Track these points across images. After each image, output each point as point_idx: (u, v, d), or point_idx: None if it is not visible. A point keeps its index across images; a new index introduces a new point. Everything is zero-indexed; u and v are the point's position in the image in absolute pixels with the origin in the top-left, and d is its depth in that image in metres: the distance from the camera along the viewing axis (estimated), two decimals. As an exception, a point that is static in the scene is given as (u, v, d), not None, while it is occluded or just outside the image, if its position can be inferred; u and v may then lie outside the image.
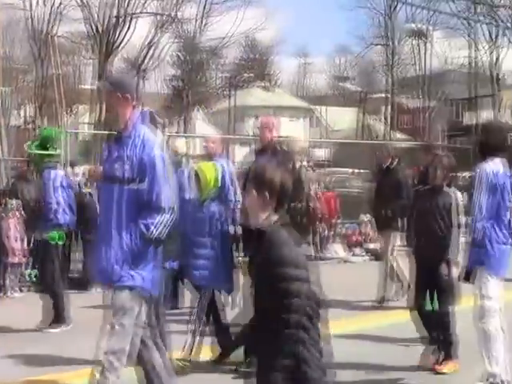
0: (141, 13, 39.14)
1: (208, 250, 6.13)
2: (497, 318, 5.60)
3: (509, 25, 42.03)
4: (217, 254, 6.14)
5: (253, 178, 3.30)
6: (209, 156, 7.71)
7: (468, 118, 50.28)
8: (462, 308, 6.53)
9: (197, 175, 6.20)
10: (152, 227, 4.63)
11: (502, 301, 5.68)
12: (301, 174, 7.24)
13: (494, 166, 5.69)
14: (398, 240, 9.22)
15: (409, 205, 7.83)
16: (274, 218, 3.17)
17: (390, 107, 45.69)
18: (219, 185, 6.36)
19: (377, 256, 14.73)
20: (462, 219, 6.28)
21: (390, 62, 45.37)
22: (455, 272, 6.56)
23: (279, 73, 67.91)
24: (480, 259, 5.68)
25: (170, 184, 4.75)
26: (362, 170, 30.72)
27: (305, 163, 7.60)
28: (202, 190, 6.15)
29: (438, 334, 6.32)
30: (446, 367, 6.26)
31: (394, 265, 9.24)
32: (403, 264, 8.79)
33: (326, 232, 15.53)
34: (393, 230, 9.20)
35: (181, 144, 8.39)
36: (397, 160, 9.27)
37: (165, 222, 4.65)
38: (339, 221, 16.31)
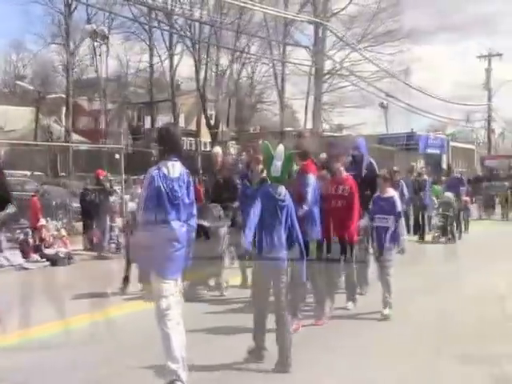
0: None
1: None
2: (172, 316, 5.63)
3: (185, 33, 43.50)
4: None
5: None
6: None
7: (148, 122, 51.17)
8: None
9: None
10: None
11: (174, 299, 5.70)
12: None
13: (164, 168, 5.69)
14: None
15: None
16: None
17: (67, 108, 44.47)
18: None
19: (53, 261, 14.49)
20: None
21: (68, 62, 44.28)
22: None
23: None
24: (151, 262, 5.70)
25: None
26: (39, 173, 29.40)
27: None
28: None
29: None
30: None
31: None
32: None
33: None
34: None
35: None
36: None
37: None
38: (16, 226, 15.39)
